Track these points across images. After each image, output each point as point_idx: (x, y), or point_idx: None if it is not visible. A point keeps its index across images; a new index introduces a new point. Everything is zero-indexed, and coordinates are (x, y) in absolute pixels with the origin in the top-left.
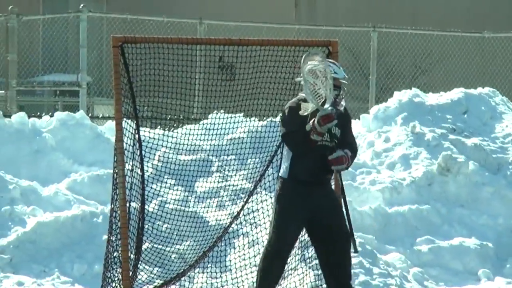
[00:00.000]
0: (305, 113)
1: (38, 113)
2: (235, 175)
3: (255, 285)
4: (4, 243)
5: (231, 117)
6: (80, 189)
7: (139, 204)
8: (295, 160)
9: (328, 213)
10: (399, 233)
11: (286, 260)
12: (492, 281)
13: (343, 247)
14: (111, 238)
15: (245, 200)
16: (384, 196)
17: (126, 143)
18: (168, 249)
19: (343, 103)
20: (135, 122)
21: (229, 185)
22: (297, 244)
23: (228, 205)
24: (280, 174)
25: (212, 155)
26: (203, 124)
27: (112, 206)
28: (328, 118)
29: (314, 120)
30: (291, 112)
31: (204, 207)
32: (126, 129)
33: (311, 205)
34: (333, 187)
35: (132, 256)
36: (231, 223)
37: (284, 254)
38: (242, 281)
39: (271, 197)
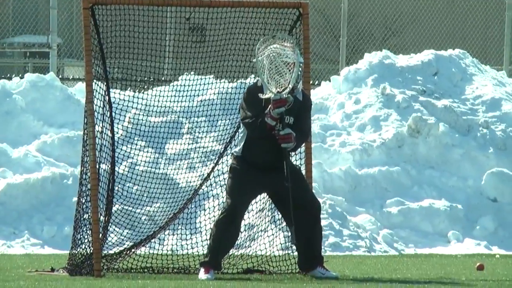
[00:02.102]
0: (264, 97)
1: (8, 75)
2: (206, 137)
3: (207, 251)
4: None
5: (201, 79)
6: (50, 151)
7: (109, 166)
8: (249, 143)
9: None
10: (369, 195)
11: (240, 225)
12: (461, 242)
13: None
14: (81, 200)
15: (215, 162)
16: (354, 158)
17: (96, 105)
18: (138, 211)
19: (300, 87)
20: (105, 83)
21: (199, 147)
22: (267, 206)
23: (198, 167)
24: (234, 151)
25: (183, 117)
26: (174, 85)
27: (82, 168)
28: (279, 102)
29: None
30: (249, 96)
31: (175, 169)
32: (97, 90)
33: (265, 182)
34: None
35: (102, 218)
36: (201, 185)
37: (238, 219)
38: None
39: None
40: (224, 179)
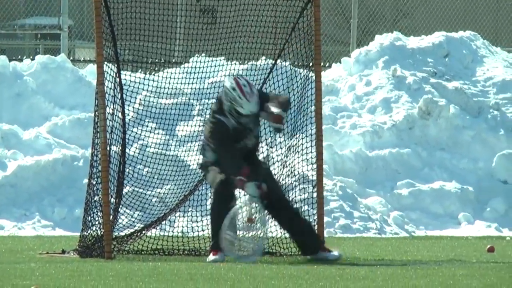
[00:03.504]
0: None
1: (19, 57)
2: None
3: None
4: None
5: (212, 61)
6: (61, 132)
7: (120, 148)
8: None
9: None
10: (380, 176)
11: (234, 197)
12: (472, 224)
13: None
14: (92, 181)
15: None
16: (365, 140)
17: (107, 87)
18: (148, 192)
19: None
20: (116, 65)
21: None
22: None
23: None
24: (206, 157)
25: (193, 99)
26: (184, 67)
27: (93, 150)
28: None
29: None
30: (217, 136)
31: (185, 151)
32: (107, 72)
33: None
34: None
35: (112, 200)
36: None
37: (232, 193)
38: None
39: None
40: None
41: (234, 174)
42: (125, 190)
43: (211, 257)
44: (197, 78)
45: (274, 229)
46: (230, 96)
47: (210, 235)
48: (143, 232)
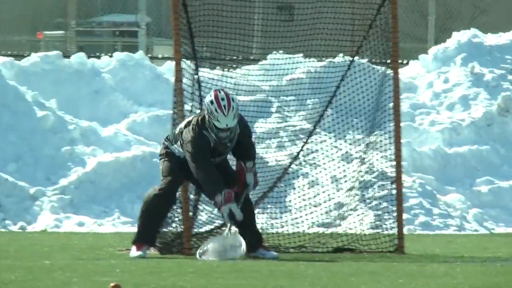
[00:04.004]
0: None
1: (97, 54)
2: (295, 115)
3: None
4: (64, 184)
5: (290, 58)
6: (139, 129)
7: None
8: None
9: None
10: (459, 173)
11: (172, 202)
12: None
13: None
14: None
15: (304, 140)
16: (443, 137)
17: (185, 84)
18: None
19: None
20: (194, 62)
21: (288, 126)
22: (355, 185)
23: (287, 145)
24: (171, 148)
25: (271, 96)
26: (262, 64)
27: None
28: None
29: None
30: (197, 148)
31: (264, 148)
32: (185, 69)
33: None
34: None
35: (192, 196)
36: (290, 163)
37: (173, 195)
38: (302, 221)
39: (330, 138)
40: (314, 158)
41: (213, 194)
42: None
43: (135, 252)
44: (275, 75)
45: (353, 225)
46: (208, 110)
47: (138, 229)
48: (222, 228)
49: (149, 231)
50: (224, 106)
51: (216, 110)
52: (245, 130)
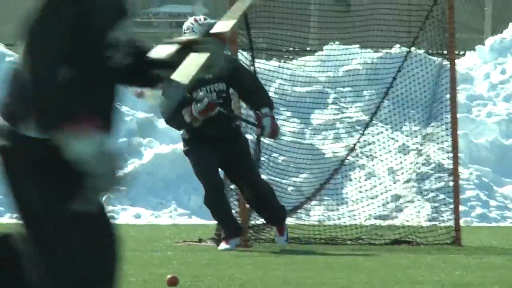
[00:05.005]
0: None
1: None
2: (351, 107)
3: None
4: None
5: (346, 49)
6: None
7: (255, 137)
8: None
9: (237, 160)
10: None
11: (224, 195)
12: None
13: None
14: None
15: (361, 132)
16: (500, 128)
17: None
18: (284, 181)
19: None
20: (250, 53)
21: (345, 117)
22: (412, 176)
23: (344, 137)
24: (181, 135)
25: (328, 87)
26: (318, 55)
27: None
28: (208, 109)
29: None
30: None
31: (320, 139)
32: (242, 61)
33: (220, 154)
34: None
35: None
36: (347, 155)
37: (221, 193)
38: (359, 213)
39: (387, 129)
40: (371, 149)
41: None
42: None
43: (223, 245)
44: (332, 66)
45: (410, 217)
46: (184, 29)
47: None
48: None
49: (225, 226)
50: (199, 19)
51: (190, 23)
52: (236, 66)
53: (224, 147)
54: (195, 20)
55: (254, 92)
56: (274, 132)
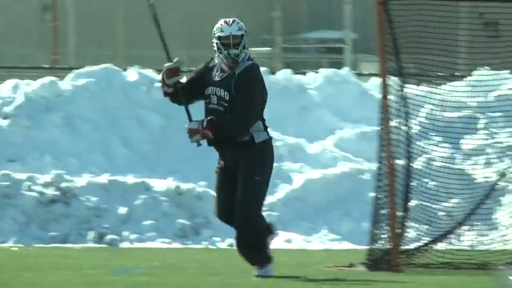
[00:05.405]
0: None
1: (303, 70)
2: (502, 132)
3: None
4: (273, 200)
5: (496, 74)
6: (346, 146)
7: (406, 161)
8: None
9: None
10: None
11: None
12: None
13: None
14: (379, 195)
15: None
16: None
17: (392, 100)
18: (435, 206)
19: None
20: (400, 79)
21: (495, 142)
22: None
23: (495, 162)
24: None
25: (478, 112)
26: (468, 81)
27: (379, 163)
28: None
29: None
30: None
31: (471, 164)
32: (391, 86)
33: (227, 162)
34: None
35: (399, 213)
36: (498, 180)
37: (228, 219)
38: (511, 238)
39: None
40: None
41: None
42: (411, 204)
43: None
44: (481, 91)
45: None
46: (213, 33)
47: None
48: (431, 245)
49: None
50: (228, 21)
51: (220, 24)
52: (247, 74)
53: (228, 154)
54: (225, 22)
55: (233, 112)
56: (188, 132)
